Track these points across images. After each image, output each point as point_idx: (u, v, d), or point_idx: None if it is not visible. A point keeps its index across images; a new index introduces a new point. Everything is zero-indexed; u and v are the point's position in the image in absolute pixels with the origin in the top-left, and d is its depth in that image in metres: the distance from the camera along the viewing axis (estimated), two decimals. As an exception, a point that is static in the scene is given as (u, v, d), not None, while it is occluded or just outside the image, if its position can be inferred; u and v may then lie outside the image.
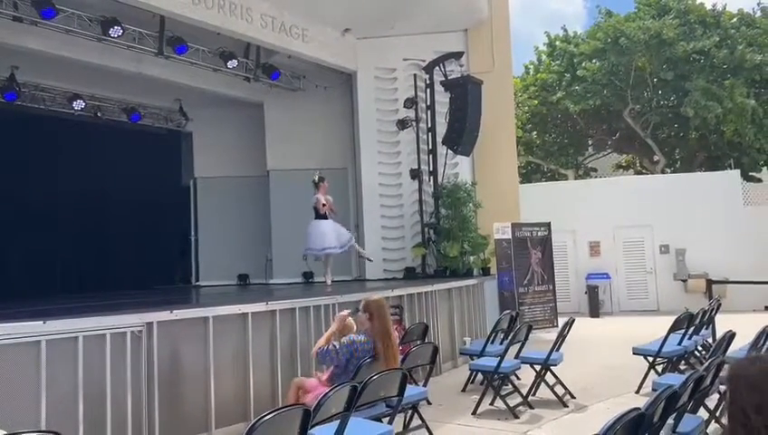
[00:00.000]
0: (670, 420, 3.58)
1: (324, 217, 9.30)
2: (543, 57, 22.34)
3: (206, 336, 5.78)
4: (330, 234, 9.28)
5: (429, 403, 6.51)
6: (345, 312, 5.27)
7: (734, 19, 19.62)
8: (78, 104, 11.38)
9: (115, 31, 9.13)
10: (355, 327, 5.15)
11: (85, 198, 11.77)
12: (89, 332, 5.00)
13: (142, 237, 12.33)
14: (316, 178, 9.45)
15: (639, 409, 2.90)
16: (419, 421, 5.38)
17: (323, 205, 9.23)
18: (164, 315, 5.52)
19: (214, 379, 5.77)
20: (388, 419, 4.64)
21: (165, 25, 9.72)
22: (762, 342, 5.62)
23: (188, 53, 10.22)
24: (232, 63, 10.80)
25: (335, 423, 3.86)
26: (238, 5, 9.70)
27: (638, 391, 6.71)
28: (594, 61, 19.70)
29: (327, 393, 3.70)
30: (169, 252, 13.01)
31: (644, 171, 21.94)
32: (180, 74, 10.92)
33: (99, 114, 12.06)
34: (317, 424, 3.61)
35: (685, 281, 15.17)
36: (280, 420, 3.24)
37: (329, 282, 9.63)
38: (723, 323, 7.26)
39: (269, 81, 11.77)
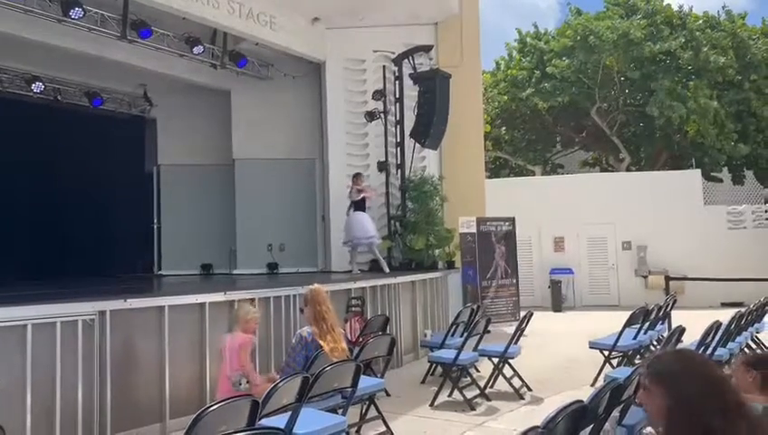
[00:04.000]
0: (616, 413, 3.64)
1: (362, 208, 10.21)
2: (514, 53, 22.48)
3: (161, 326, 5.71)
4: (369, 223, 10.23)
5: (388, 395, 6.54)
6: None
7: (700, 21, 20.02)
8: (37, 87, 11.03)
9: (76, 12, 8.86)
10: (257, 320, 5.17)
11: (44, 184, 11.47)
12: (38, 320, 4.90)
13: (104, 225, 12.09)
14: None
15: (582, 401, 2.94)
16: (376, 413, 5.40)
17: (358, 191, 10.15)
18: (118, 304, 5.44)
19: (169, 369, 5.71)
20: (341, 410, 4.64)
21: (128, 8, 9.48)
22: (711, 337, 5.76)
23: (153, 37, 9.98)
24: (198, 49, 10.60)
25: (286, 414, 3.85)
26: (205, -10, 9.52)
27: (593, 384, 6.82)
28: (564, 58, 19.89)
29: (277, 384, 3.68)
30: (132, 240, 12.77)
31: (609, 169, 22.29)
32: (145, 59, 10.66)
33: (59, 98, 11.73)
34: (267, 415, 3.59)
35: (645, 277, 15.50)
36: (227, 409, 3.21)
37: (356, 270, 10.32)
38: (679, 319, 7.42)
39: (236, 68, 11.58)
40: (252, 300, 5.90)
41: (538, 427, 2.53)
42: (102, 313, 5.27)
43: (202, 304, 6.09)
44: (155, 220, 12.95)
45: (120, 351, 5.41)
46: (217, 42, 11.21)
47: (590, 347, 7.32)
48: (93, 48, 9.98)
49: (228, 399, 3.33)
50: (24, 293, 6.31)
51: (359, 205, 10.27)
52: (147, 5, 9.12)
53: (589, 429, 3.20)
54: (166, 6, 9.11)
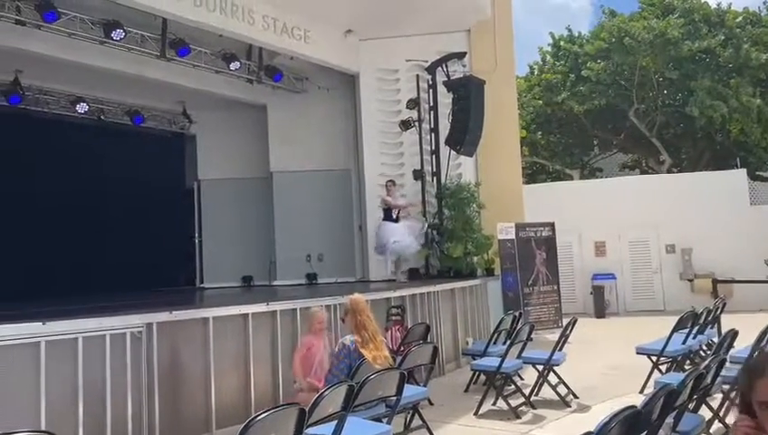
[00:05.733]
0: (670, 419, 3.54)
1: (390, 217, 10.41)
2: (548, 57, 22.28)
3: (207, 337, 5.79)
4: (396, 229, 10.31)
5: (431, 404, 6.49)
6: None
7: (739, 18, 19.52)
8: (81, 107, 11.41)
9: (117, 34, 9.15)
10: (321, 319, 5.48)
11: (89, 201, 11.77)
12: (88, 333, 5.02)
13: (146, 240, 12.33)
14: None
15: (635, 407, 2.87)
16: (420, 422, 5.36)
17: (384, 202, 10.43)
18: (164, 316, 5.53)
19: (214, 379, 5.78)
20: (386, 419, 4.62)
21: (167, 28, 9.74)
22: (765, 341, 5.56)
23: (191, 55, 10.23)
24: (234, 65, 10.81)
25: (332, 423, 3.84)
26: (240, 7, 9.70)
27: (641, 391, 6.65)
28: (599, 61, 19.63)
29: (323, 392, 3.69)
30: (174, 254, 13.01)
31: (650, 171, 21.83)
32: (183, 77, 10.92)
33: (102, 117, 12.09)
34: (313, 424, 3.60)
35: (691, 281, 15.09)
36: (275, 418, 3.23)
37: (399, 278, 10.56)
38: (728, 323, 7.18)
39: (272, 82, 11.77)
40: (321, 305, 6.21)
41: (591, 433, 2.47)
42: (149, 325, 5.37)
43: (245, 315, 6.17)
44: (196, 234, 13.18)
45: (167, 362, 5.50)
46: (253, 57, 11.42)
47: (638, 353, 7.14)
48: (134, 68, 10.26)
49: (275, 407, 3.34)
50: (74, 307, 6.48)
51: (387, 213, 10.46)
52: (184, 24, 9.35)
53: (643, 435, 3.12)
54: (203, 24, 9.32)
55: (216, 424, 5.73)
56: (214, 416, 5.73)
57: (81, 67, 9.92)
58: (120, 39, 9.26)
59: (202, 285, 12.95)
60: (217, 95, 11.92)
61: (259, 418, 3.12)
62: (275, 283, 12.43)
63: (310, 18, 10.75)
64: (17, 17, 8.48)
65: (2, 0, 8.31)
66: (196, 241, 13.18)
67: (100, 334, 5.08)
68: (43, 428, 4.35)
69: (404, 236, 10.32)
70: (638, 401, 3.21)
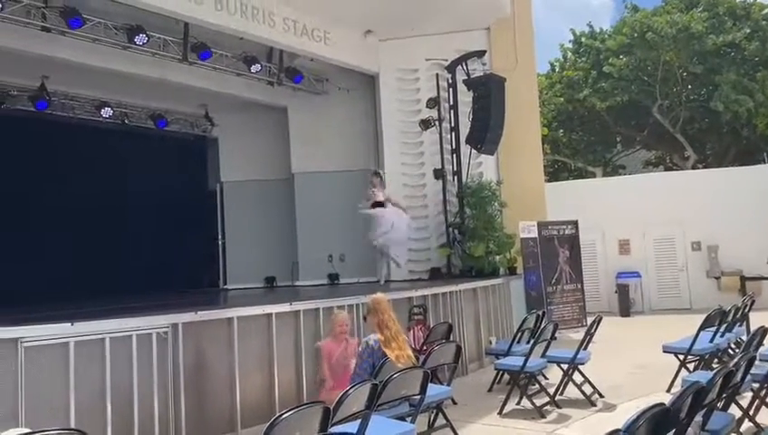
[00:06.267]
0: (699, 418, 3.49)
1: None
2: (569, 54, 22.10)
3: (231, 337, 5.85)
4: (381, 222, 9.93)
5: (455, 403, 6.47)
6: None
7: (766, 10, 19.16)
8: (106, 112, 11.59)
9: (140, 38, 9.27)
10: (342, 322, 5.55)
11: (114, 204, 11.96)
12: (116, 333, 5.11)
13: (171, 242, 12.48)
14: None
15: (664, 404, 2.83)
16: (444, 421, 5.35)
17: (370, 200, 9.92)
18: (189, 316, 5.60)
19: (239, 379, 5.83)
20: (410, 418, 4.62)
21: (189, 32, 9.85)
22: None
23: (212, 58, 10.32)
24: (255, 68, 10.89)
25: (357, 422, 3.85)
26: (260, 10, 9.78)
27: (668, 390, 6.56)
28: (621, 57, 19.43)
29: (347, 391, 3.70)
30: (198, 256, 13.16)
31: (674, 167, 21.54)
32: (205, 80, 11.03)
33: (126, 121, 12.27)
34: (338, 422, 3.61)
35: (718, 278, 14.83)
36: (300, 417, 3.25)
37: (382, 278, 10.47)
38: (757, 321, 7.04)
39: (292, 84, 11.84)
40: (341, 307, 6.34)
41: (619, 430, 2.45)
42: (175, 325, 5.45)
43: (269, 315, 6.22)
44: (219, 236, 13.30)
45: (193, 361, 5.57)
46: (274, 59, 11.49)
47: (664, 351, 7.04)
48: (157, 72, 10.39)
49: (300, 406, 3.37)
50: (100, 308, 6.58)
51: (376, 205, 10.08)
52: (206, 28, 9.44)
53: (671, 433, 3.07)
54: (224, 27, 9.40)
55: (241, 423, 5.78)
56: (239, 415, 5.78)
57: (105, 72, 10.06)
58: (143, 44, 9.39)
59: (225, 286, 13.07)
60: (239, 98, 12.01)
61: (284, 416, 3.14)
62: (298, 283, 12.49)
63: (329, 20, 10.79)
64: (43, 24, 8.64)
65: (28, 7, 8.47)
66: (220, 243, 13.31)
67: (126, 335, 5.16)
68: (72, 426, 4.42)
69: (392, 226, 9.91)
70: (666, 399, 3.17)
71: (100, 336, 5.00)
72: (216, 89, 11.41)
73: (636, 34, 18.81)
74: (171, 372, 5.38)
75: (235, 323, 5.89)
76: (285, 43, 10.46)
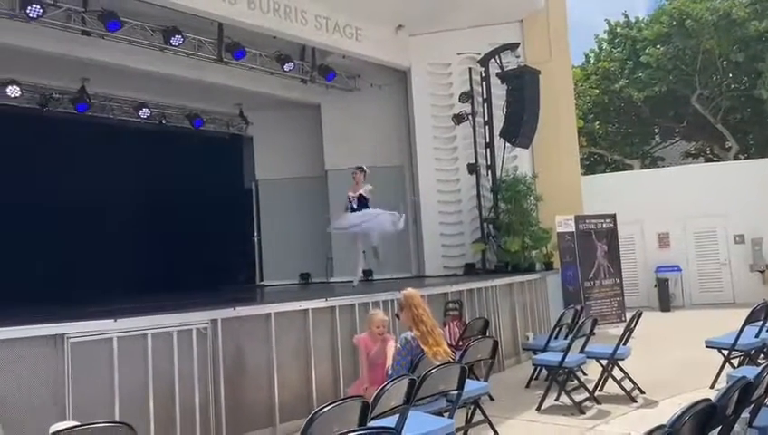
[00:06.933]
0: (746, 414, 3.39)
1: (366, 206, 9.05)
2: (604, 45, 21.70)
3: (269, 332, 5.92)
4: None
5: (492, 399, 6.41)
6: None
7: (811, -7, 18.45)
8: (144, 112, 11.86)
9: (176, 39, 9.43)
10: (379, 323, 5.41)
11: (152, 203, 12.19)
12: (157, 329, 5.20)
13: (207, 240, 12.68)
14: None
15: (710, 400, 2.76)
16: (481, 417, 5.32)
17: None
18: (228, 312, 5.69)
19: (277, 374, 5.89)
20: (448, 413, 4.61)
21: (223, 32, 9.98)
22: None
23: (246, 57, 10.45)
24: (288, 66, 10.98)
25: (395, 417, 3.86)
26: (293, 8, 9.85)
27: (712, 386, 6.41)
28: (658, 46, 18.97)
29: (385, 386, 3.70)
30: (234, 253, 13.35)
31: (715, 159, 20.95)
32: (239, 79, 11.17)
33: (163, 121, 12.53)
34: (376, 417, 3.62)
35: (762, 272, 14.41)
36: (339, 411, 3.27)
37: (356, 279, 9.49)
38: (805, 315, 6.83)
39: (325, 82, 11.90)
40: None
41: (664, 426, 2.40)
42: (214, 321, 5.53)
43: (305, 311, 6.27)
44: (255, 233, 13.46)
45: (232, 357, 5.65)
46: (306, 57, 11.57)
47: (707, 346, 6.87)
48: (193, 72, 10.57)
49: (339, 400, 3.39)
50: (142, 305, 6.73)
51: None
52: (240, 28, 9.55)
53: (717, 430, 3.00)
54: (258, 27, 9.51)
55: (280, 418, 5.84)
56: (277, 409, 5.84)
57: (143, 73, 10.28)
58: (179, 44, 9.55)
59: (262, 283, 13.23)
60: (272, 96, 12.13)
61: (323, 410, 3.16)
62: (332, 279, 12.56)
63: (361, 16, 10.81)
64: (83, 28, 8.86)
65: (68, 12, 8.70)
66: (256, 240, 13.47)
67: (167, 331, 5.26)
68: (117, 419, 4.53)
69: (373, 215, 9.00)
70: (709, 396, 3.09)
71: (142, 332, 5.11)
72: (250, 88, 11.55)
73: (674, 22, 18.35)
74: (211, 366, 5.47)
75: (272, 318, 5.96)
76: (318, 41, 10.52)
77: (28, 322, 4.74)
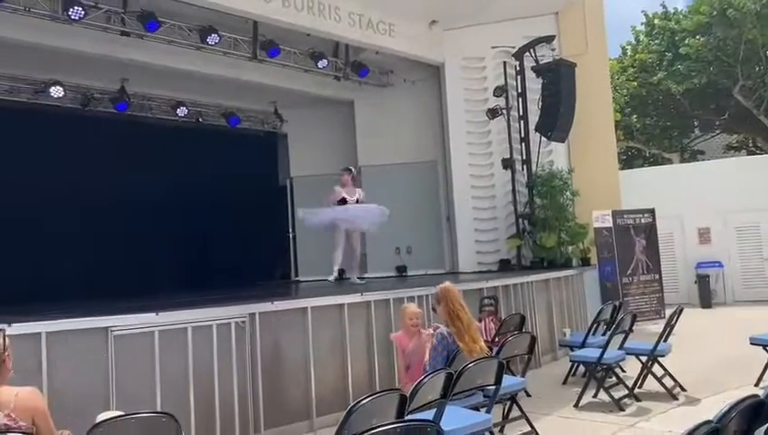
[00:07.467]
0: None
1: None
2: (641, 37, 21.25)
3: (306, 326, 5.98)
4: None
5: (528, 395, 6.38)
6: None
7: None
8: (182, 111, 12.05)
9: (212, 38, 9.57)
10: (412, 315, 5.47)
11: (190, 200, 12.37)
12: (197, 323, 5.31)
13: (243, 236, 12.83)
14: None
15: (758, 396, 2.69)
16: (518, 412, 5.28)
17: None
18: (266, 306, 5.77)
19: (314, 367, 5.95)
20: (485, 408, 4.59)
21: (258, 30, 10.08)
22: None
23: (281, 55, 10.53)
24: (322, 63, 11.04)
25: (431, 411, 3.86)
26: (326, 5, 9.89)
27: (757, 384, 6.25)
28: (698, 37, 18.49)
29: (422, 380, 3.71)
30: (270, 249, 13.47)
31: (758, 152, 20.35)
32: (274, 77, 11.27)
33: (200, 120, 12.72)
34: (413, 411, 3.63)
35: (808, 268, 13.97)
36: (377, 404, 3.28)
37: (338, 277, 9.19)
38: None
39: (358, 78, 11.93)
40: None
41: (711, 421, 2.35)
42: (252, 315, 5.62)
43: (341, 305, 6.31)
44: (290, 230, 13.56)
45: (270, 350, 5.73)
46: (340, 54, 11.61)
47: (752, 343, 6.68)
48: (228, 71, 10.70)
49: (376, 393, 3.40)
50: (182, 300, 6.86)
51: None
52: (274, 25, 9.64)
53: (765, 427, 2.92)
54: (292, 25, 9.58)
55: (317, 412, 5.90)
56: (314, 402, 5.90)
57: (180, 73, 10.45)
58: (215, 43, 9.68)
59: (297, 279, 13.33)
60: (306, 93, 12.20)
61: (362, 403, 3.18)
62: (366, 275, 12.58)
63: (394, 11, 10.79)
64: (122, 29, 9.05)
65: (108, 13, 8.90)
66: (291, 236, 13.57)
67: (207, 324, 5.36)
68: (159, 409, 4.64)
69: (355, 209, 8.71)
70: (755, 393, 3.01)
71: (182, 326, 5.22)
72: (284, 85, 11.63)
73: (715, 12, 17.85)
74: (249, 359, 5.56)
75: (308, 313, 6.02)
76: (351, 37, 10.54)
77: (76, 315, 4.89)
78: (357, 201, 8.80)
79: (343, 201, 8.72)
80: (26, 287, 9.08)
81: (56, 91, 10.28)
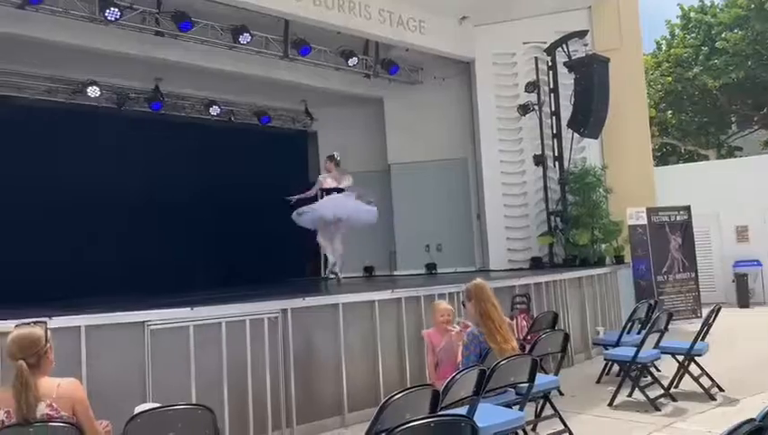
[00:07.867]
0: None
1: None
2: (677, 31, 20.84)
3: (337, 322, 6.01)
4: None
5: (561, 394, 6.31)
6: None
7: None
8: (214, 110, 12.20)
9: (244, 38, 9.67)
10: (443, 311, 5.41)
11: (223, 197, 12.52)
12: (230, 318, 5.38)
13: (274, 233, 12.88)
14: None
15: (803, 395, 2.62)
16: (551, 411, 5.22)
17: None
18: (297, 302, 5.82)
19: (345, 363, 5.97)
20: (518, 406, 4.55)
21: (289, 29, 10.15)
22: None
23: (311, 54, 10.59)
24: (352, 61, 11.07)
25: (464, 408, 3.84)
26: (356, 3, 9.91)
27: (799, 385, 6.08)
28: (736, 30, 18.06)
29: (455, 376, 3.70)
30: (301, 247, 13.53)
31: (798, 148, 19.82)
32: (304, 75, 11.33)
33: (232, 118, 12.87)
34: (446, 407, 3.62)
35: None
36: (410, 399, 3.29)
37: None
38: None
39: (388, 76, 11.92)
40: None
41: (754, 420, 2.29)
42: (284, 310, 5.67)
43: (372, 302, 6.33)
44: (320, 227, 13.60)
45: (301, 345, 5.78)
46: (369, 52, 11.61)
47: (793, 344, 6.51)
48: (260, 70, 10.79)
49: (409, 388, 3.40)
50: (215, 295, 6.96)
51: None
52: (305, 24, 9.69)
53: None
54: (323, 23, 9.62)
55: (348, 407, 5.92)
56: (345, 398, 5.92)
57: (212, 72, 10.58)
58: (247, 43, 9.78)
59: (326, 276, 13.38)
60: (337, 92, 12.24)
61: (395, 398, 3.19)
62: (396, 273, 12.61)
63: (424, 8, 10.76)
64: (157, 29, 9.21)
65: (143, 14, 9.06)
66: (320, 234, 13.60)
67: (240, 319, 5.43)
68: (194, 401, 4.71)
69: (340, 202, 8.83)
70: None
71: (216, 320, 5.30)
72: (315, 84, 11.68)
73: (753, 6, 17.43)
74: (282, 354, 5.61)
75: (340, 309, 6.05)
76: (382, 35, 10.53)
77: (114, 309, 5.00)
78: (343, 189, 8.98)
79: (329, 191, 8.86)
80: (67, 282, 9.30)
81: (93, 91, 10.51)
